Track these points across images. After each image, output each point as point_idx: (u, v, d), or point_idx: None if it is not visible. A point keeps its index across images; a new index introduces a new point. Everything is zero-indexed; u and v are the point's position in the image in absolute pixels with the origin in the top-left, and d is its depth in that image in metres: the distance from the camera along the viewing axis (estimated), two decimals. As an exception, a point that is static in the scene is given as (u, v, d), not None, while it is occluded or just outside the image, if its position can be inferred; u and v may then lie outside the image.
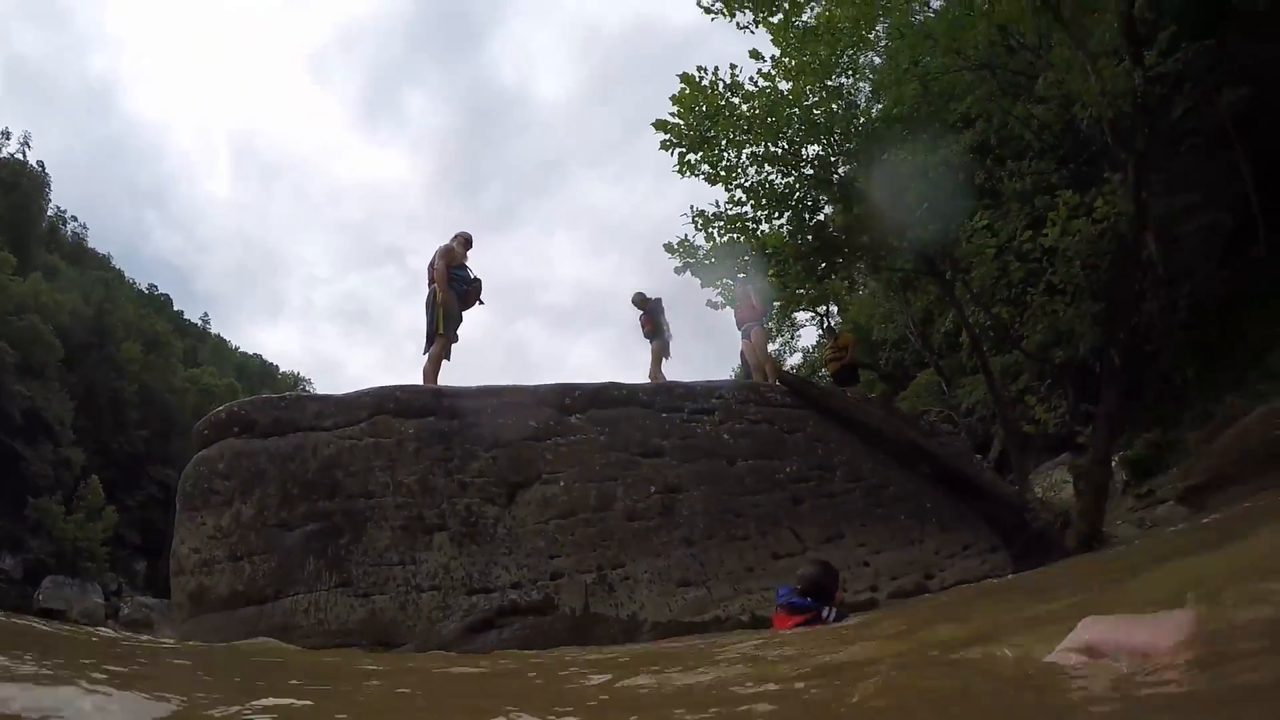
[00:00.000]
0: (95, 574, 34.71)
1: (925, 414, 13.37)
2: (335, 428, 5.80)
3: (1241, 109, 11.32)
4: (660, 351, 9.58)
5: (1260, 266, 11.35)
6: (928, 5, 11.70)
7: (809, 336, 28.39)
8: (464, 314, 7.18)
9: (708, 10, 10.22)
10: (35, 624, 5.24)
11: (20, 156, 51.56)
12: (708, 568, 5.80)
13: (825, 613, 3.97)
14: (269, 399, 6.21)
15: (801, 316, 18.07)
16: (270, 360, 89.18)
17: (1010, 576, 7.04)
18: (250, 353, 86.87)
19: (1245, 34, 11.47)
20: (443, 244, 7.25)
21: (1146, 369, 12.11)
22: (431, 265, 7.15)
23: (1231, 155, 11.59)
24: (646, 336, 9.75)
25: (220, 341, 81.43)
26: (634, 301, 9.92)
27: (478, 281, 7.28)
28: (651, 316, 9.74)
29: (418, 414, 5.91)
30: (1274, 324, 10.24)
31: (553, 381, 6.54)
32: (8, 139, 51.15)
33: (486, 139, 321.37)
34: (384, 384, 6.17)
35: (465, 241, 7.41)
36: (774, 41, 10.25)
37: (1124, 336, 9.10)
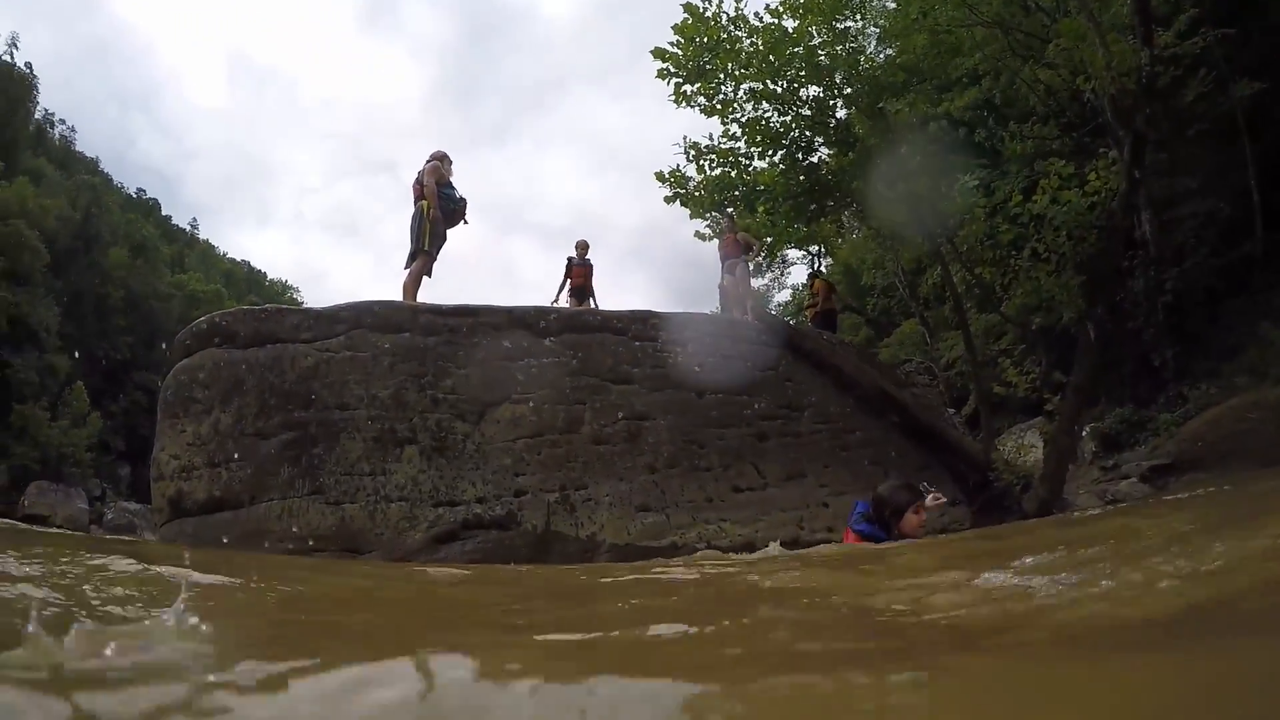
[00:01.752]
0: (80, 479, 34.95)
1: (905, 363, 13.50)
2: (313, 340, 5.87)
3: (1254, 102, 11.26)
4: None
5: (1251, 262, 11.43)
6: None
7: (799, 274, 28.51)
8: (448, 233, 7.17)
9: (718, -59, 9.92)
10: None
11: (8, 58, 49.85)
12: (668, 495, 5.97)
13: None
14: (250, 310, 6.25)
15: (793, 254, 18.12)
16: (258, 267, 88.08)
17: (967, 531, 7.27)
18: (238, 259, 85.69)
19: (1268, 28, 11.32)
20: (429, 162, 7.17)
21: (1127, 345, 12.26)
22: (419, 182, 7.10)
23: (1239, 147, 11.54)
24: (575, 291, 10.09)
25: (208, 247, 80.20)
26: (578, 245, 10.27)
27: (463, 200, 7.24)
28: (584, 269, 10.15)
29: (394, 329, 5.97)
30: (1256, 320, 10.36)
31: (536, 302, 6.61)
32: (-5, 39, 49.34)
33: (486, 52, 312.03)
34: (366, 297, 6.22)
35: (448, 159, 7.33)
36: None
37: (1102, 312, 9.17)
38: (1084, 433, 12.06)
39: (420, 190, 7.02)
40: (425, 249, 6.79)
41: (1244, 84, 11.21)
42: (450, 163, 7.33)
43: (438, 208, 6.91)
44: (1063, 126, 13.29)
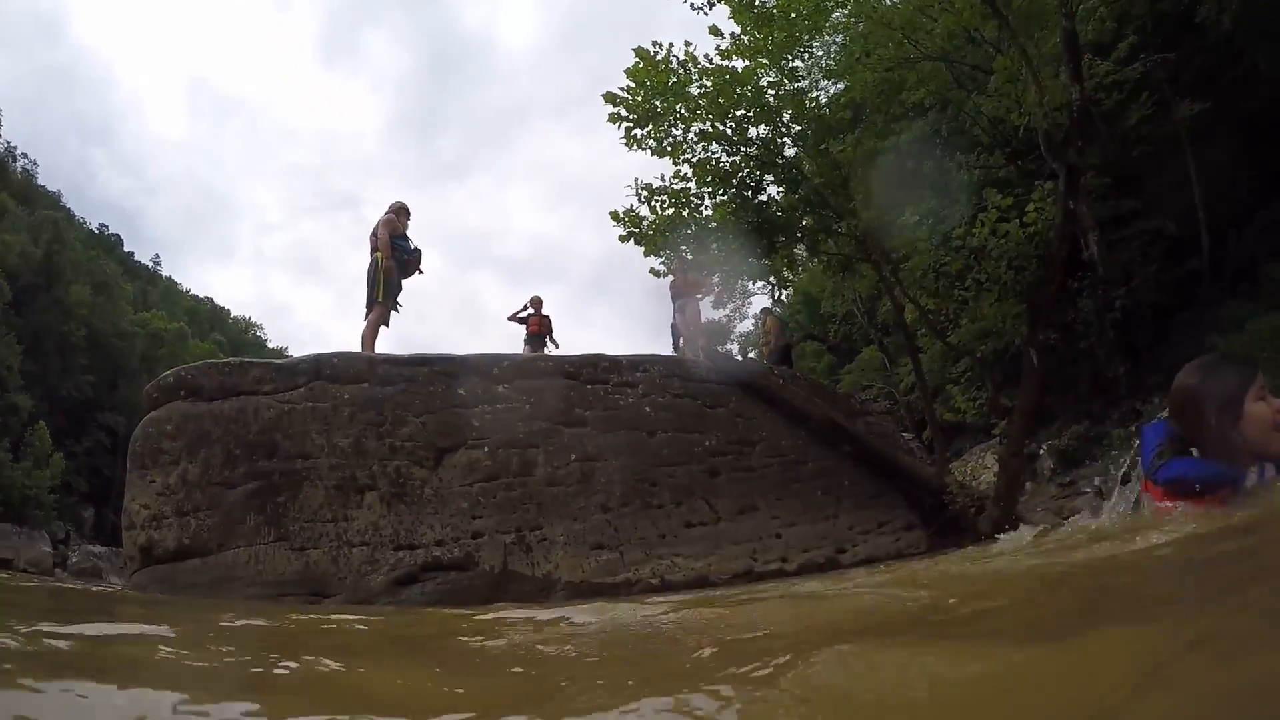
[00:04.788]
0: (43, 522, 34.27)
1: (865, 390, 13.80)
2: (275, 392, 6.06)
3: (1196, 122, 11.69)
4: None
5: (1198, 276, 11.85)
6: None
7: (760, 303, 28.94)
8: (404, 283, 7.40)
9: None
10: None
11: (-31, 90, 49.33)
12: (621, 533, 6.18)
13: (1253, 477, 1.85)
14: (214, 364, 6.43)
15: (752, 285, 18.53)
16: (221, 304, 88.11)
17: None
18: (201, 296, 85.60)
19: (1207, 51, 11.79)
20: (384, 215, 7.43)
21: (1081, 363, 12.66)
22: (374, 235, 7.34)
23: (1183, 166, 11.96)
24: (531, 339, 10.64)
25: (171, 284, 79.96)
26: (532, 301, 10.82)
27: (418, 251, 7.49)
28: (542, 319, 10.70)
29: (353, 380, 6.17)
30: (1204, 333, 10.63)
31: (499, 334, 6.80)
32: (-46, 70, 48.88)
33: (447, 86, 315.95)
34: (329, 333, 6.41)
35: (405, 211, 7.60)
36: (732, 18, 10.34)
37: (1043, 337, 9.50)
38: (1041, 450, 12.39)
39: (375, 242, 7.26)
40: (381, 300, 7.02)
41: (1186, 105, 11.66)
42: (408, 215, 7.58)
43: (391, 259, 7.15)
44: (1007, 155, 13.79)
